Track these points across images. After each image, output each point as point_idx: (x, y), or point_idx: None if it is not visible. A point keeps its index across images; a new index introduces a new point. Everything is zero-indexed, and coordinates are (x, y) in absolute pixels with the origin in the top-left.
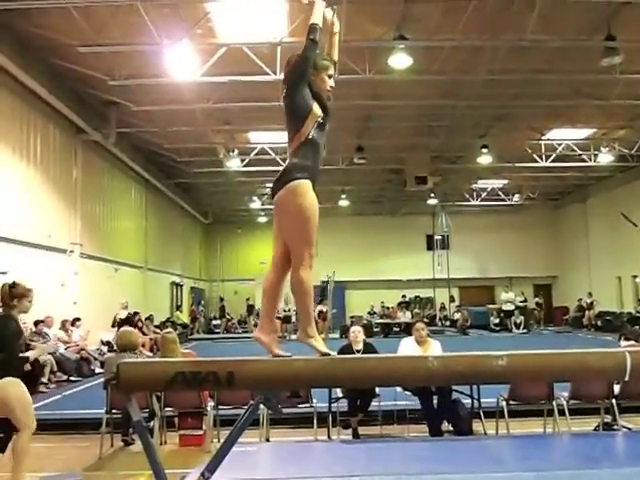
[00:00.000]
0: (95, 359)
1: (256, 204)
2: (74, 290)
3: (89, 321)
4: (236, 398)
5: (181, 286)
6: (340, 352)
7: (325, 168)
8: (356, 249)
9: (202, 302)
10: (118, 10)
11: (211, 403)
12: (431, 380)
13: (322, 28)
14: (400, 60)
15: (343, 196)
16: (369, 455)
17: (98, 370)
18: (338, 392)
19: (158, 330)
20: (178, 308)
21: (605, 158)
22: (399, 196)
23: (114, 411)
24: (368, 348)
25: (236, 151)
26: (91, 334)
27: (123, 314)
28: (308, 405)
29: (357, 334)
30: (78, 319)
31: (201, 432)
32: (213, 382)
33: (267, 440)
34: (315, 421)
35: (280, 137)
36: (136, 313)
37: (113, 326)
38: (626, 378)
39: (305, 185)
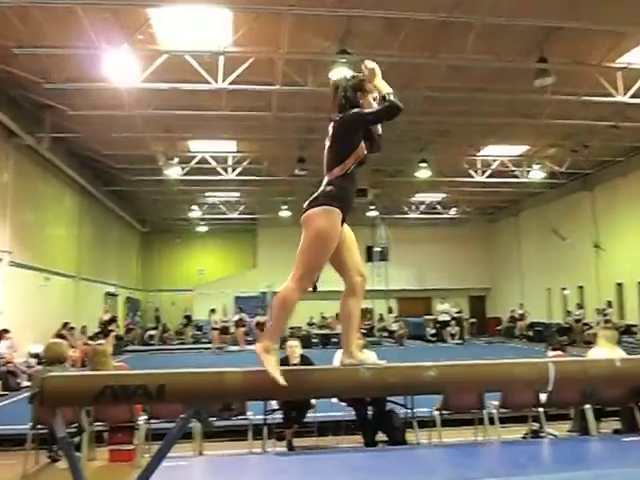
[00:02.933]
0: (23, 372)
1: (196, 213)
2: (0, 300)
3: (17, 332)
4: (170, 411)
5: (116, 296)
6: None
7: (267, 179)
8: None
9: (138, 312)
10: (56, 12)
11: (144, 417)
12: (364, 391)
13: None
14: (342, 74)
15: (284, 207)
16: (304, 467)
17: (25, 384)
18: (273, 404)
19: (91, 342)
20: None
21: (537, 175)
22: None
23: (40, 426)
24: (304, 361)
25: (176, 159)
26: (20, 346)
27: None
28: (243, 417)
29: (294, 349)
30: (6, 330)
31: (132, 447)
32: (143, 396)
33: (200, 454)
34: (250, 434)
35: (221, 146)
36: (66, 324)
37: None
38: (549, 388)
39: (333, 213)
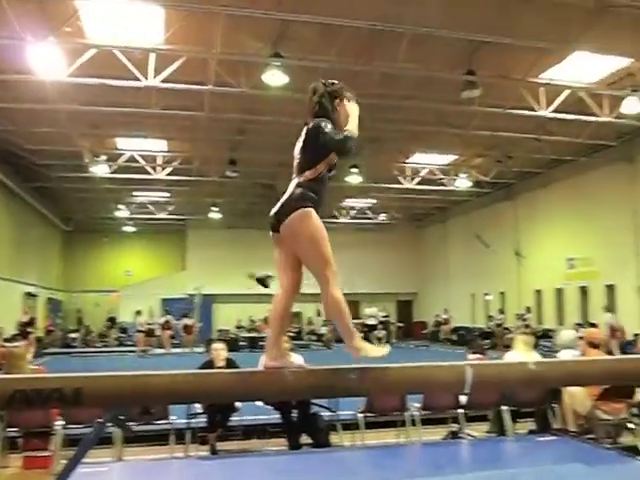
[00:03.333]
0: None
1: (124, 213)
2: None
3: None
4: (89, 416)
5: (36, 297)
6: (201, 368)
7: (196, 179)
8: (226, 262)
9: (59, 314)
10: None
11: (60, 422)
12: (287, 394)
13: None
14: (275, 77)
15: (215, 208)
16: (226, 471)
17: None
18: (197, 407)
19: (7, 344)
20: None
21: (463, 183)
22: (271, 211)
23: None
24: (230, 364)
25: (103, 157)
26: None
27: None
28: (165, 422)
29: (219, 352)
30: None
31: (48, 454)
32: (58, 400)
33: (120, 459)
34: (172, 438)
35: (151, 145)
36: None
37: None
38: (466, 390)
39: (311, 211)
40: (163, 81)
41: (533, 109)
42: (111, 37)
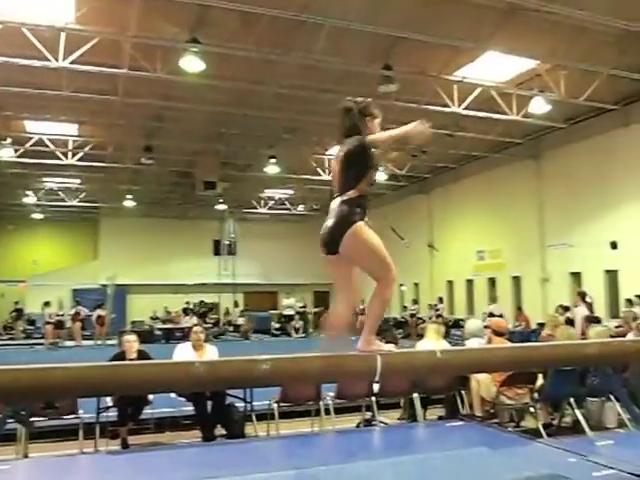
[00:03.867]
0: None
1: (31, 199)
2: None
3: None
4: None
5: None
6: (112, 361)
7: (111, 166)
8: (141, 252)
9: None
10: None
11: None
12: (198, 385)
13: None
14: (192, 63)
15: (129, 196)
16: (137, 465)
17: None
18: (108, 401)
19: None
20: None
21: (379, 176)
22: (188, 200)
23: None
24: (142, 356)
25: (9, 140)
26: None
27: None
28: (74, 416)
29: (132, 343)
30: None
31: None
32: None
33: (25, 456)
34: (81, 433)
35: (61, 129)
36: None
37: None
38: (376, 378)
39: (362, 224)
40: (74, 62)
41: (447, 105)
42: (18, 13)
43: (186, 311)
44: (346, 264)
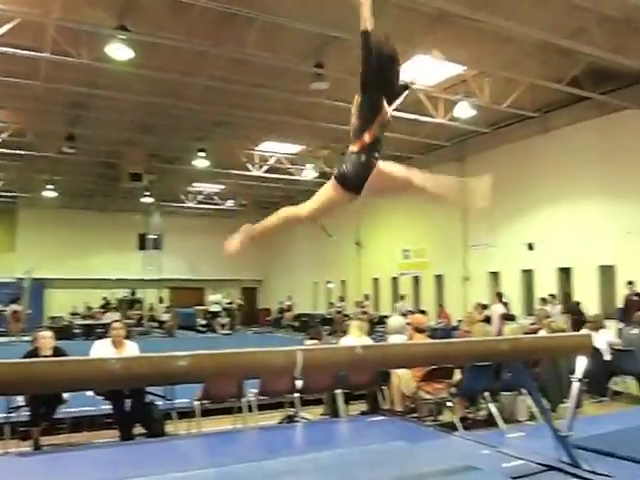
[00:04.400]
0: None
1: None
2: None
3: None
4: None
5: None
6: (25, 358)
7: (30, 154)
8: (62, 244)
9: None
10: None
11: None
12: (114, 383)
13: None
14: (119, 51)
15: (49, 186)
16: (50, 466)
17: None
18: (19, 400)
19: None
20: None
21: (309, 173)
22: (112, 191)
23: None
24: (57, 353)
25: None
26: None
27: None
28: None
29: (47, 340)
30: None
31: None
32: None
33: None
34: None
35: None
36: None
37: None
38: (297, 374)
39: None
40: None
41: None
42: None
43: (105, 307)
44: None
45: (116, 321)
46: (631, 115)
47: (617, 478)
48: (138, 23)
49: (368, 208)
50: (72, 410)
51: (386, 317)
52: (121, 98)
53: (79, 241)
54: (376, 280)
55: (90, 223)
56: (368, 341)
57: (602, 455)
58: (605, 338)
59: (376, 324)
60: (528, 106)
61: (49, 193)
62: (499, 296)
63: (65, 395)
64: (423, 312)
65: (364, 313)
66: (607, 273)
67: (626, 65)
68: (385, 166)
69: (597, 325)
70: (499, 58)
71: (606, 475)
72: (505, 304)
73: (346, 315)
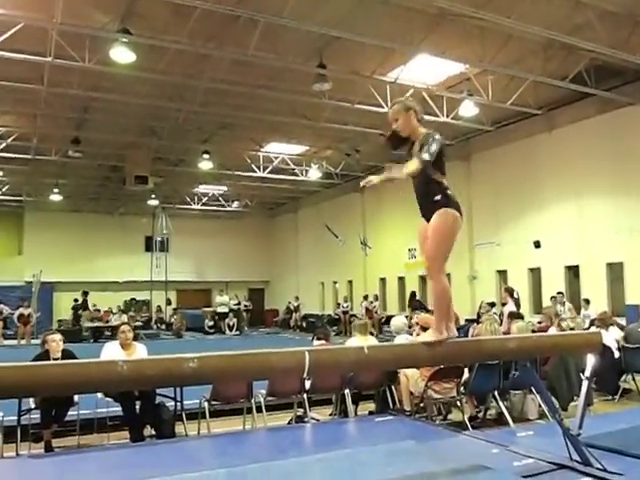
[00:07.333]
0: None
1: None
2: None
3: None
4: None
5: None
6: (35, 361)
7: (36, 158)
8: (69, 247)
9: None
10: None
11: None
12: (123, 385)
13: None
14: (122, 54)
15: (56, 190)
16: (62, 469)
17: None
18: (30, 402)
19: None
20: None
21: (314, 174)
22: (118, 194)
23: None
24: (67, 356)
25: None
26: None
27: None
28: None
29: (57, 342)
30: None
31: None
32: None
33: None
34: (0, 436)
35: None
36: None
37: None
38: (305, 375)
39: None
40: None
41: (381, 106)
42: None
43: (113, 309)
44: None
45: (124, 324)
46: (636, 111)
47: (628, 476)
48: (141, 26)
49: (374, 208)
50: (82, 412)
51: (393, 317)
52: (125, 101)
53: (86, 244)
54: (383, 280)
55: (97, 226)
56: (374, 341)
57: (612, 453)
58: (615, 336)
59: (384, 324)
60: (532, 104)
61: (55, 197)
62: (510, 292)
63: (75, 397)
64: (430, 311)
65: (367, 311)
66: (615, 270)
67: (629, 61)
68: None
69: (607, 322)
70: (502, 56)
71: (617, 473)
72: (517, 300)
73: (353, 315)
